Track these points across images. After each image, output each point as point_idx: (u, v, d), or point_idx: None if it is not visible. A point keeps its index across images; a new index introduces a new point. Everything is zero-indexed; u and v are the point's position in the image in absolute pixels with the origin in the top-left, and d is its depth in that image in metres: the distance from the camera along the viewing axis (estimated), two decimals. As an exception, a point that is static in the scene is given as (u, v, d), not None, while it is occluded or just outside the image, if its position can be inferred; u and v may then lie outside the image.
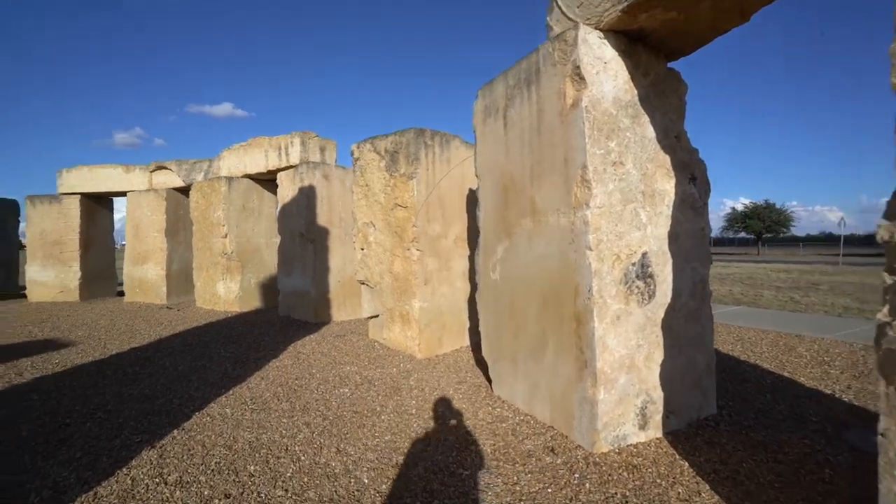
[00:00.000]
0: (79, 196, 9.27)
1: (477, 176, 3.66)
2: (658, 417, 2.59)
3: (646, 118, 2.77)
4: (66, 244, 9.23)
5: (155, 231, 8.73)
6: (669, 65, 2.95)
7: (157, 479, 2.26)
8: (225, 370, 4.05)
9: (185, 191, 8.89)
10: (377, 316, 5.02)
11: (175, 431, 2.79)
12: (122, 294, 9.55)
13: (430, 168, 4.58)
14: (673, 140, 2.91)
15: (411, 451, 2.50)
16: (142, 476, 2.29)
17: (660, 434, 2.57)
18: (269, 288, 7.91)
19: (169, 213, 8.72)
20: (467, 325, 4.95)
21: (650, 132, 2.78)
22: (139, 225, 8.94)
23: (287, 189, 6.79)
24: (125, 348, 4.94)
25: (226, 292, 7.53)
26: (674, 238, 2.79)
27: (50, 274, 9.26)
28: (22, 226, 10.78)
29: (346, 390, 3.50)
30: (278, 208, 7.00)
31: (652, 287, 2.67)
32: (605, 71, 2.62)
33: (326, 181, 6.46)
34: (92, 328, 6.16)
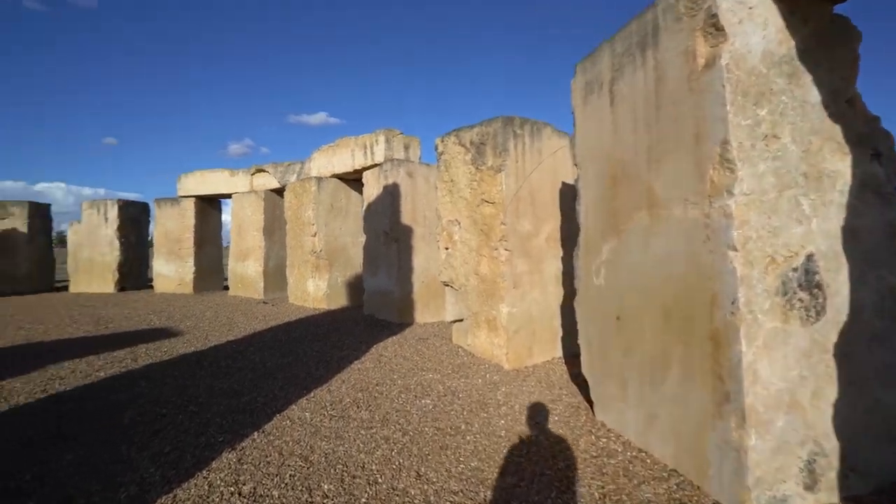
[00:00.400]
0: (194, 198, 10.22)
1: (576, 164, 3.19)
2: (832, 475, 1.94)
3: (807, 77, 2.12)
4: (184, 242, 10.23)
5: (254, 230, 9.32)
6: (836, 8, 2.25)
7: (232, 488, 2.14)
8: (308, 369, 4.01)
9: (281, 192, 9.37)
10: (461, 320, 4.72)
11: (255, 434, 2.71)
12: (227, 288, 10.36)
13: (519, 160, 4.18)
14: (843, 105, 2.22)
15: (501, 485, 2.14)
16: (218, 482, 2.19)
17: (835, 499, 1.93)
18: (355, 286, 8.02)
19: (266, 212, 9.25)
20: (559, 333, 4.46)
21: (813, 95, 2.13)
22: (242, 224, 9.62)
23: (372, 187, 6.78)
24: (223, 340, 5.18)
25: (315, 290, 7.76)
26: (851, 235, 2.11)
27: (171, 268, 10.33)
28: (152, 226, 12.25)
29: (429, 401, 3.23)
30: (364, 207, 7.03)
31: (820, 300, 2.03)
32: (751, 18, 2.04)
33: (410, 178, 6.33)
34: (199, 319, 6.63)
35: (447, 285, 4.86)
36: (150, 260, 11.25)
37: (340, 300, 7.90)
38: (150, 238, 12.33)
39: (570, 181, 4.57)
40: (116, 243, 10.51)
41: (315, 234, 7.64)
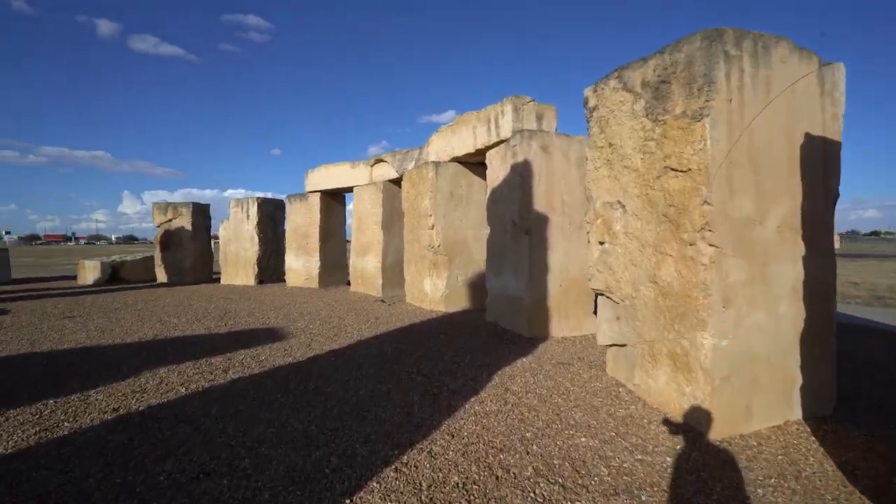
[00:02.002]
0: (319, 193, 10.23)
1: None
2: None
3: None
4: (311, 237, 10.31)
5: (373, 223, 8.85)
6: None
7: None
8: (409, 407, 2.97)
9: (400, 182, 8.74)
10: (623, 345, 3.25)
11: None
12: (350, 283, 10.19)
13: (734, 98, 2.56)
14: None
15: None
16: None
17: None
18: (477, 287, 6.94)
19: (385, 205, 8.70)
20: (798, 381, 2.74)
21: None
22: (362, 217, 9.25)
23: (497, 169, 5.58)
24: (325, 349, 4.49)
25: (432, 290, 6.87)
26: None
27: (300, 262, 10.53)
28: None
29: (588, 504, 1.91)
30: (487, 194, 5.87)
31: None
32: None
33: (545, 155, 4.96)
34: (311, 319, 6.19)
35: (601, 294, 3.42)
36: (284, 254, 11.71)
37: (460, 302, 6.89)
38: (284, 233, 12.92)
39: (820, 131, 2.78)
40: (256, 238, 11.10)
41: (432, 226, 6.73)
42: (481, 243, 6.91)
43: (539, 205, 4.92)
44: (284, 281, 11.01)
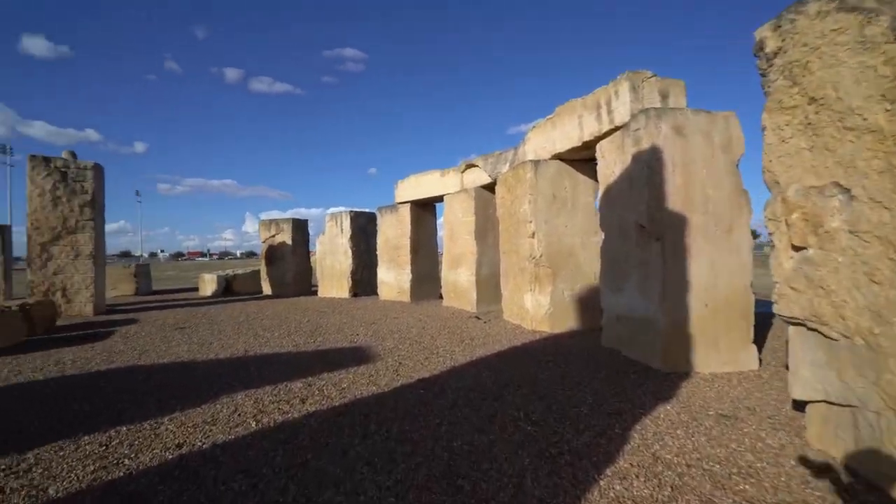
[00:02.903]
0: (409, 204, 9.92)
1: None
2: None
3: None
4: (401, 249, 10.02)
5: (466, 233, 8.23)
6: None
7: None
8: (519, 475, 2.18)
9: (493, 187, 8.05)
10: (846, 406, 2.14)
11: None
12: (442, 297, 9.66)
13: None
14: None
15: None
16: None
17: None
18: (588, 305, 5.93)
19: (478, 213, 8.04)
20: None
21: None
22: (453, 227, 8.70)
23: (612, 162, 4.62)
24: (413, 377, 3.88)
25: (534, 307, 6.00)
26: None
27: (391, 275, 10.29)
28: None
29: None
30: (599, 194, 4.91)
31: None
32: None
33: (679, 138, 3.91)
34: (401, 338, 5.68)
35: (798, 324, 2.34)
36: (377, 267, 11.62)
37: (567, 321, 5.92)
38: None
39: None
40: (349, 252, 11.14)
41: (533, 234, 5.89)
42: (591, 252, 5.92)
43: (673, 202, 3.86)
44: (377, 293, 10.85)
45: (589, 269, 6.02)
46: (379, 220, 10.69)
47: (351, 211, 11.28)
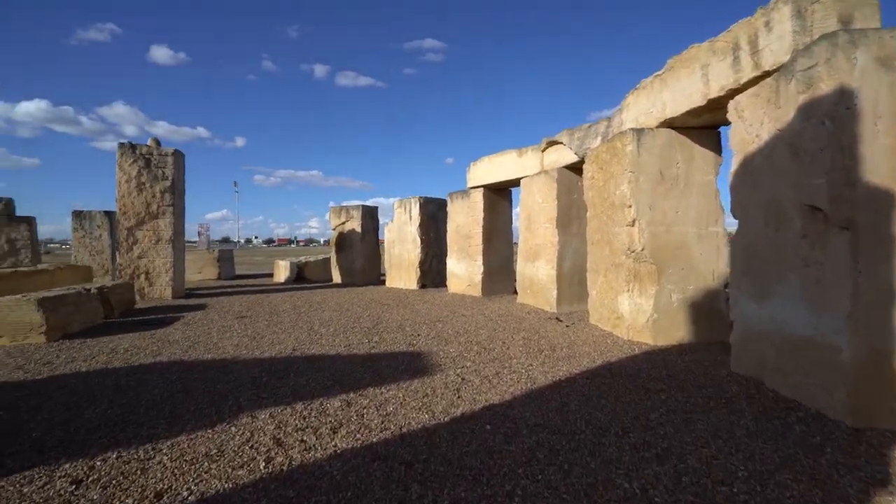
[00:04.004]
0: (482, 189, 9.00)
1: None
2: None
3: None
4: (473, 238, 9.16)
5: (546, 221, 7.15)
6: None
7: None
8: None
9: (580, 167, 6.88)
10: None
11: None
12: (516, 292, 8.66)
13: None
14: None
15: None
16: None
17: None
18: (703, 311, 4.66)
19: (561, 197, 6.92)
20: None
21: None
22: (531, 214, 7.65)
23: (756, 122, 3.34)
24: (478, 403, 3.01)
25: (632, 311, 4.84)
26: None
27: (462, 267, 9.48)
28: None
29: None
30: (735, 166, 3.63)
31: None
32: None
33: (889, 73, 2.58)
34: (467, 344, 4.84)
35: None
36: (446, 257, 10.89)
37: (675, 332, 4.70)
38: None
39: None
40: (418, 240, 10.50)
41: (633, 221, 4.71)
42: (709, 245, 4.64)
43: (874, 173, 2.56)
44: (446, 285, 10.12)
45: (705, 266, 4.73)
46: (449, 207, 9.90)
47: (420, 197, 10.61)
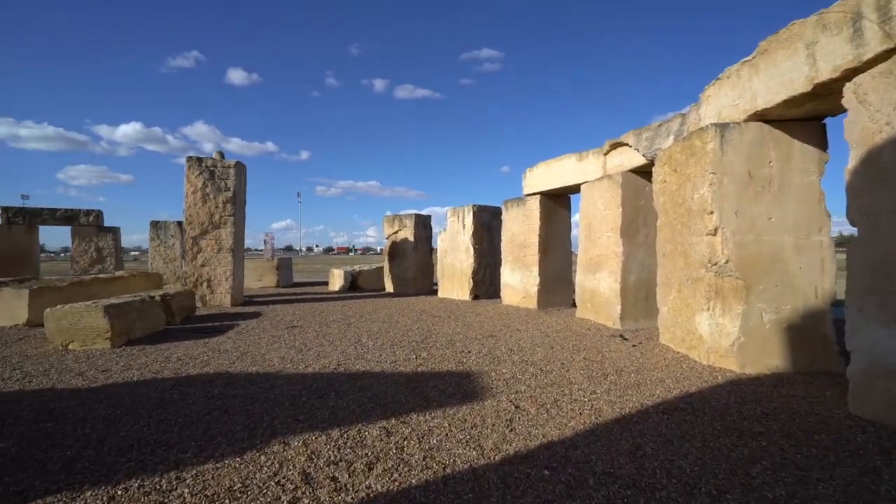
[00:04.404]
0: (538, 195, 8.52)
1: None
2: None
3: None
4: (529, 247, 8.68)
5: (608, 230, 6.57)
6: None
7: None
8: None
9: (648, 171, 6.27)
10: None
11: None
12: (575, 304, 8.05)
13: None
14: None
15: None
16: None
17: None
18: (803, 334, 3.95)
19: (626, 204, 6.33)
20: None
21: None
22: (591, 223, 7.08)
23: (887, 106, 2.70)
24: (533, 440, 2.61)
25: (713, 333, 4.19)
26: None
27: (516, 277, 9.03)
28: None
29: None
30: (853, 162, 2.98)
31: None
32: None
33: None
34: (522, 364, 4.42)
35: None
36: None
37: (766, 358, 4.00)
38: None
39: None
40: (471, 250, 10.17)
41: (715, 229, 4.10)
42: (811, 258, 3.94)
43: None
44: (500, 297, 9.69)
45: (805, 281, 4.01)
46: (504, 215, 9.50)
47: (474, 205, 10.30)
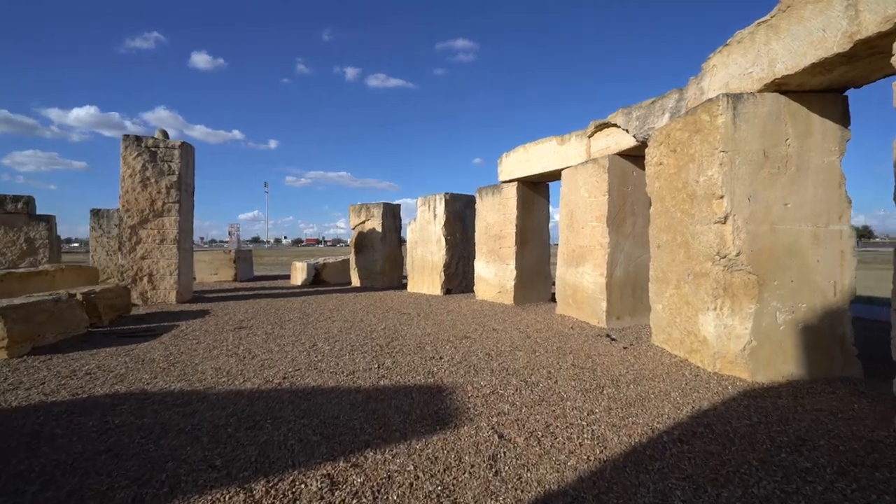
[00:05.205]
0: (515, 182, 7.91)
1: None
2: None
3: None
4: (505, 238, 8.08)
5: (593, 219, 6.02)
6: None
7: None
8: None
9: (636, 154, 5.74)
10: None
11: None
12: (554, 299, 7.51)
13: None
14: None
15: None
16: None
17: None
18: (821, 336, 3.47)
19: (613, 190, 5.78)
20: None
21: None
22: (573, 211, 6.52)
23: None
24: (526, 496, 1.98)
25: (720, 335, 3.67)
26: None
27: (491, 271, 8.42)
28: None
29: None
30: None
31: None
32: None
33: None
34: (503, 373, 3.80)
35: None
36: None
37: (783, 365, 3.51)
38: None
39: None
40: (443, 241, 9.49)
41: (724, 217, 3.56)
42: (829, 249, 3.46)
43: None
44: (474, 291, 9.08)
45: (823, 276, 3.53)
46: (478, 204, 8.85)
47: (446, 194, 9.60)
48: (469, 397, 3.17)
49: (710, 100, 3.70)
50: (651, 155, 4.69)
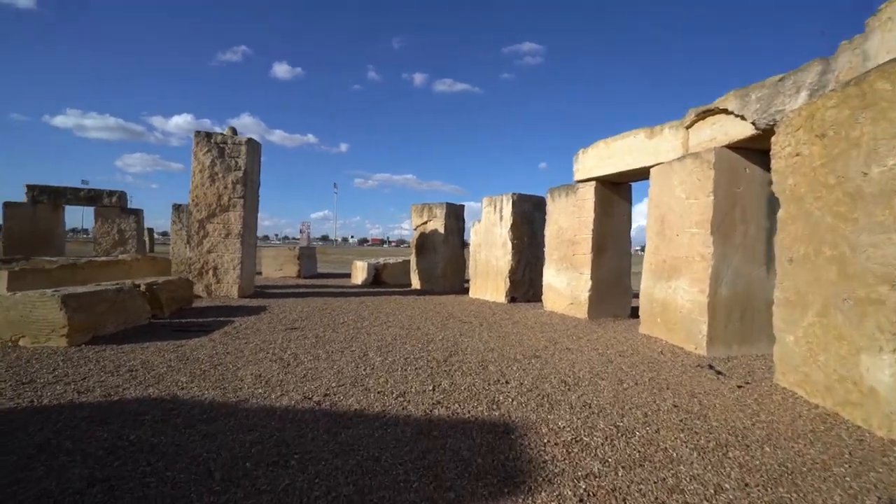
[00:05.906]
0: (593, 182, 7.02)
1: None
2: None
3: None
4: (579, 244, 7.21)
5: (692, 224, 5.04)
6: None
7: None
8: None
9: (756, 147, 4.71)
10: None
11: None
12: (635, 314, 6.52)
13: None
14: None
15: None
16: None
17: None
18: None
19: (718, 190, 4.79)
20: None
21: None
22: (666, 216, 5.55)
23: None
24: None
25: (893, 384, 2.67)
26: None
27: (563, 280, 7.58)
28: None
29: None
30: None
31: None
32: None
33: None
34: (585, 411, 3.06)
35: None
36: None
37: None
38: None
39: None
40: (509, 245, 8.77)
41: (914, 223, 2.57)
42: None
43: None
44: (541, 301, 8.27)
45: None
46: (549, 206, 8.04)
47: (513, 194, 8.88)
48: (545, 444, 2.47)
49: (893, 59, 2.72)
50: (781, 144, 3.70)
